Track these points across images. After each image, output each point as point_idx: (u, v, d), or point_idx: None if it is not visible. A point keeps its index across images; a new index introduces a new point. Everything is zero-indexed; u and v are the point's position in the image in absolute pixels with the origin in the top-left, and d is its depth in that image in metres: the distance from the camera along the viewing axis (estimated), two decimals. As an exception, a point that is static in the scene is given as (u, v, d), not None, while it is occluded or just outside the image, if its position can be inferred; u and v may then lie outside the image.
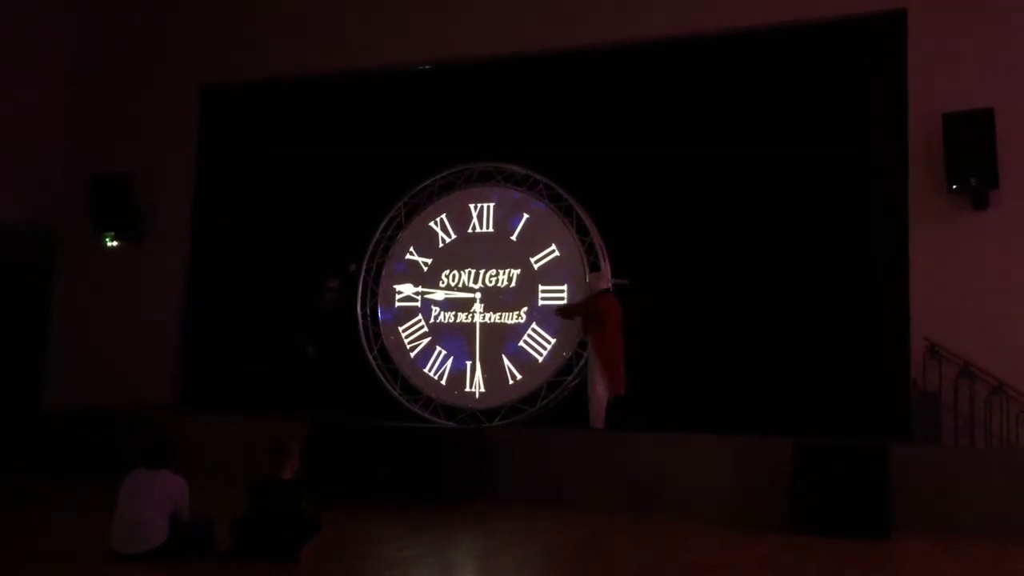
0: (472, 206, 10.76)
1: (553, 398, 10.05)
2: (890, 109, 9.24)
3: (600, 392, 9.33)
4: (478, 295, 10.56)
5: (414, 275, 10.85)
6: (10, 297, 11.80)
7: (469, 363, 10.43)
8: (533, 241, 10.43)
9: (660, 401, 9.44)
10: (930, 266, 8.82)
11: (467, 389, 10.40)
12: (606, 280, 9.78)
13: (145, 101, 12.11)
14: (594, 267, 10.13)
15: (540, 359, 10.19)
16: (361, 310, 10.94)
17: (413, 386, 10.61)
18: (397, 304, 10.88)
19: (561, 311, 9.91)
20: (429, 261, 10.82)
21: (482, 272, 10.59)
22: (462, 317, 10.57)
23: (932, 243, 8.84)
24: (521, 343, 10.30)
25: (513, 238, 10.54)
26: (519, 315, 10.37)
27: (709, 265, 9.72)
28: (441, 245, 10.82)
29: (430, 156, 10.97)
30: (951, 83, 8.88)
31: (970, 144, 8.47)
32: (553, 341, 10.16)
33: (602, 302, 9.53)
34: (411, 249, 10.91)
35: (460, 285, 10.66)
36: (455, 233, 10.78)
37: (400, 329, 10.81)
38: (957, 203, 8.78)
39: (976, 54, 8.92)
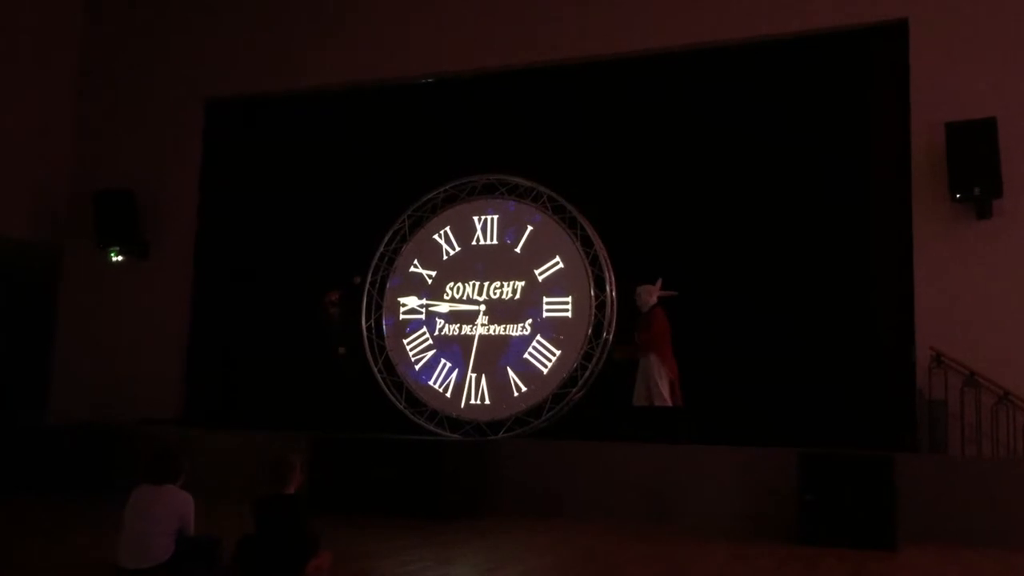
0: (476, 218, 10.78)
1: (558, 410, 10.04)
2: (893, 119, 9.26)
3: (665, 396, 9.28)
4: (482, 307, 10.57)
5: (418, 287, 10.87)
6: (15, 312, 11.83)
7: (473, 375, 10.43)
8: (537, 253, 10.44)
9: (666, 412, 9.41)
10: (934, 275, 8.81)
11: (471, 401, 10.40)
12: (656, 293, 9.62)
13: (149, 116, 12.17)
14: (598, 279, 10.13)
15: (545, 371, 10.19)
16: (365, 323, 10.96)
17: (418, 398, 10.62)
18: (402, 316, 10.89)
19: (642, 341, 9.58)
20: (433, 273, 10.83)
21: (486, 284, 10.60)
22: (467, 329, 10.58)
23: (936, 252, 8.84)
24: (526, 355, 10.30)
25: (517, 250, 10.55)
26: (524, 327, 10.37)
27: (713, 276, 9.71)
28: (445, 257, 10.84)
29: (434, 169, 11.01)
30: (954, 92, 8.89)
31: (973, 153, 8.47)
32: (558, 353, 10.16)
33: (662, 317, 9.45)
34: (415, 262, 10.93)
35: (464, 297, 10.67)
36: (459, 245, 10.80)
37: (404, 342, 10.81)
38: (960, 212, 8.79)
39: (978, 63, 8.93)
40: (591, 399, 10.00)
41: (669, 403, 9.24)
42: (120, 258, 11.90)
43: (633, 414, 9.33)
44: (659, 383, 9.29)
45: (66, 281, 12.31)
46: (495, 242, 10.68)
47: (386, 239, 11.06)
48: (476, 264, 10.69)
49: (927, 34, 9.14)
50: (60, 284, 12.34)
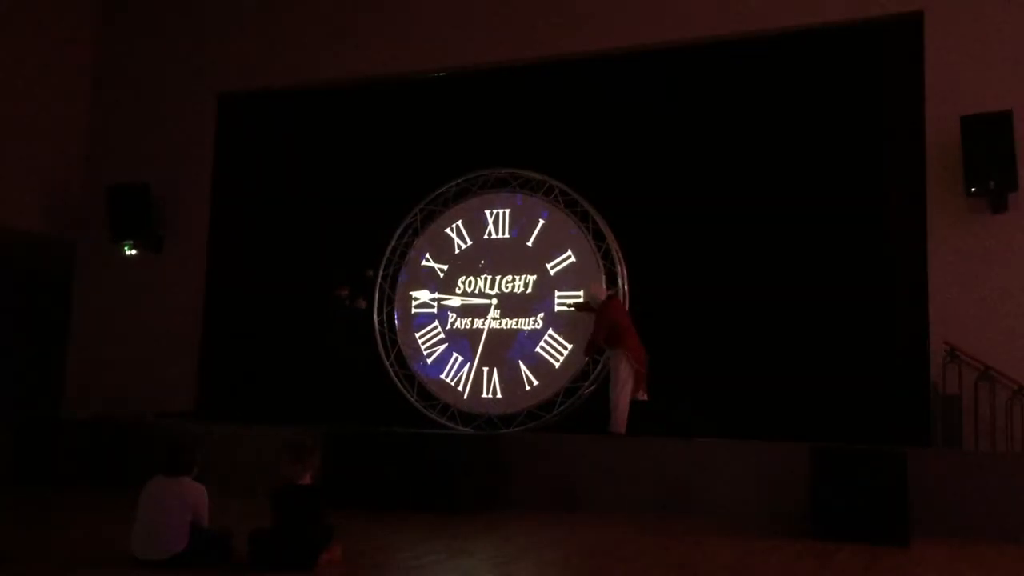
0: (488, 212, 10.78)
1: (570, 404, 10.05)
2: (907, 112, 9.21)
3: (625, 400, 9.28)
4: (494, 301, 10.57)
5: (430, 281, 10.88)
6: (29, 306, 11.90)
7: (485, 369, 10.43)
8: (549, 246, 10.44)
9: (679, 407, 9.40)
10: (949, 269, 8.77)
11: (483, 395, 10.41)
12: (602, 286, 9.74)
13: (162, 110, 12.21)
14: (610, 273, 10.13)
15: (556, 365, 10.19)
16: (377, 317, 10.98)
17: (430, 392, 10.64)
18: (413, 310, 10.91)
19: (579, 307, 9.87)
20: (445, 267, 10.84)
21: (498, 278, 10.61)
22: (479, 323, 10.59)
23: (951, 246, 8.80)
24: (537, 349, 10.30)
25: (529, 243, 10.55)
26: (535, 321, 10.37)
27: (726, 270, 9.69)
28: (457, 251, 10.84)
29: (446, 162, 11.02)
30: (969, 85, 8.84)
31: (988, 147, 8.41)
32: (570, 347, 10.15)
33: (614, 309, 9.50)
34: (427, 255, 10.94)
35: (476, 291, 10.68)
36: (471, 239, 10.80)
37: (416, 336, 10.84)
38: (975, 206, 8.73)
39: (994, 56, 8.87)
40: (602, 393, 9.98)
41: (625, 408, 9.26)
42: (134, 252, 11.94)
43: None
44: (617, 388, 9.32)
45: (80, 275, 12.38)
46: (507, 236, 10.68)
47: (398, 233, 11.07)
48: (488, 258, 10.69)
49: (942, 26, 9.08)
50: (74, 278, 12.41)
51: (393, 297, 11.03)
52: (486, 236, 10.75)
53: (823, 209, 9.43)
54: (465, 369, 10.54)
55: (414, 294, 10.95)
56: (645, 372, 9.36)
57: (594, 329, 9.55)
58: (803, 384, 9.08)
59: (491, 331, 10.52)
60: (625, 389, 9.30)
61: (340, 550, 5.76)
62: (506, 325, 10.50)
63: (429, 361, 10.73)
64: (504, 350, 10.43)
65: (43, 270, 12.52)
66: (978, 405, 8.26)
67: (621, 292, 10.10)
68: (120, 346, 11.74)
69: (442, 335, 10.74)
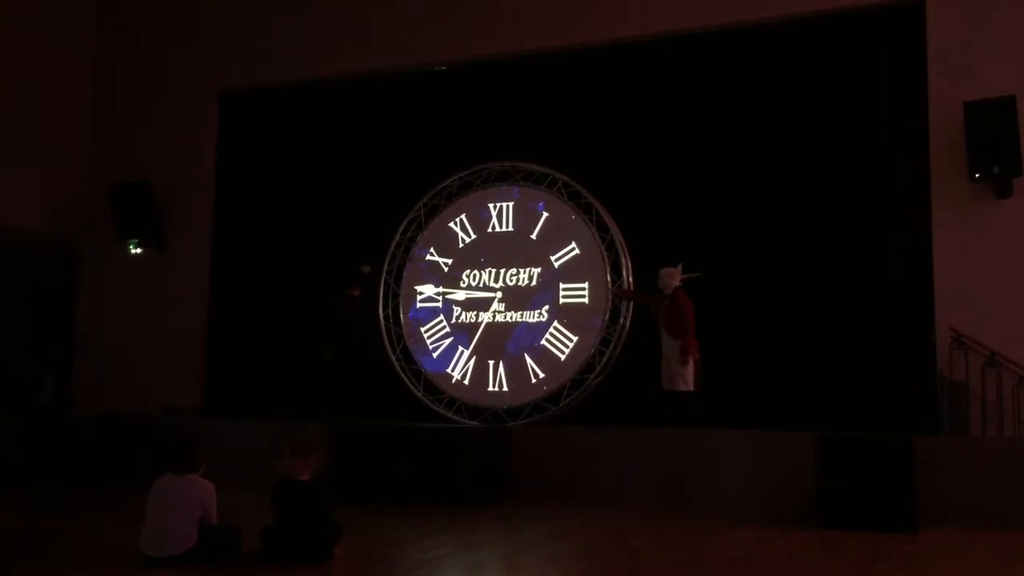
0: (491, 205, 10.77)
1: (576, 396, 10.04)
2: (910, 98, 9.18)
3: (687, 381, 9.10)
4: (498, 294, 10.57)
5: (434, 275, 10.87)
6: (35, 305, 11.92)
7: (491, 362, 10.44)
8: (553, 239, 10.43)
9: (692, 396, 9.37)
10: (954, 256, 8.74)
11: (489, 388, 10.41)
12: (678, 277, 9.44)
13: (165, 108, 12.22)
14: (615, 264, 10.11)
15: (562, 357, 10.19)
16: (383, 312, 10.99)
17: (436, 386, 10.64)
18: (418, 305, 10.91)
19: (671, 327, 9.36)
20: (450, 261, 10.84)
21: (502, 271, 10.60)
22: (484, 316, 10.59)
23: (955, 233, 8.77)
24: (543, 341, 10.30)
25: (533, 236, 10.54)
26: (540, 313, 10.37)
27: (730, 260, 9.66)
28: (461, 245, 10.84)
29: (448, 156, 11.00)
30: (972, 71, 8.80)
31: (992, 132, 8.39)
32: (575, 339, 10.15)
33: (686, 299, 9.27)
34: (431, 249, 10.93)
35: (481, 284, 10.67)
36: (475, 233, 10.80)
37: (422, 330, 10.84)
38: (980, 192, 8.71)
39: (997, 41, 8.83)
40: (609, 385, 9.99)
41: (691, 387, 9.16)
42: (139, 250, 11.97)
43: (662, 398, 9.22)
44: (683, 367, 9.21)
45: (86, 273, 12.40)
46: (511, 229, 10.67)
47: (402, 228, 11.07)
48: (492, 251, 10.68)
49: (944, 12, 9.04)
50: (80, 277, 12.43)
51: (398, 292, 11.03)
52: (490, 229, 10.74)
53: (827, 198, 9.41)
54: (472, 362, 10.54)
55: (419, 288, 10.94)
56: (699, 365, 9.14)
57: (689, 327, 9.07)
58: (809, 373, 9.08)
59: (493, 324, 10.51)
60: (687, 378, 9.07)
61: (343, 547, 5.77)
62: (511, 318, 10.49)
63: (435, 355, 10.74)
64: (505, 342, 10.43)
65: (48, 269, 12.54)
66: (985, 391, 8.24)
67: (626, 283, 10.09)
68: (126, 344, 11.76)
69: (447, 329, 10.74)
